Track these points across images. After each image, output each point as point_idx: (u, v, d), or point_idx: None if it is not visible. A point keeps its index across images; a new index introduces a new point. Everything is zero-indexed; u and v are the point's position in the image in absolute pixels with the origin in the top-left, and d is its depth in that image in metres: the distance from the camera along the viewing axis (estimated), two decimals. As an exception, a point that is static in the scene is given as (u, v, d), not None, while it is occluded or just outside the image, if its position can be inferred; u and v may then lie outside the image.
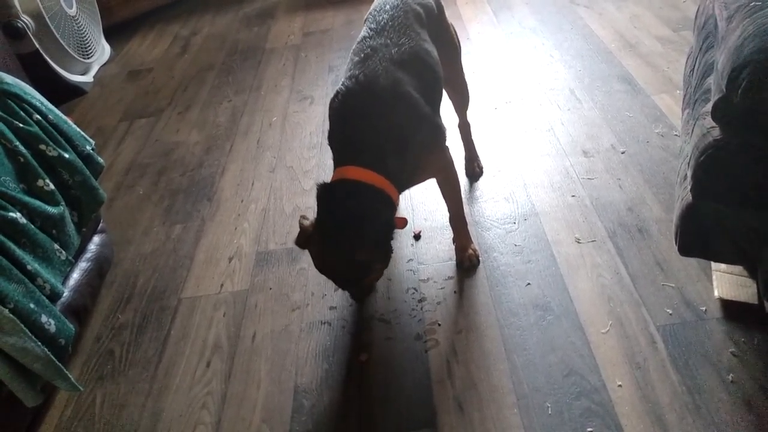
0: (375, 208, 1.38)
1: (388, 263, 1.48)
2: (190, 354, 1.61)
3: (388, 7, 1.59)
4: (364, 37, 1.53)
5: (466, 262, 1.71)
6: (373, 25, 1.55)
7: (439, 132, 1.57)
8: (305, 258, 1.65)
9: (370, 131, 1.41)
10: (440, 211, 1.92)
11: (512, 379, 1.40)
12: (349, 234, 1.36)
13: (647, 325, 1.46)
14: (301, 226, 1.43)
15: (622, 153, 2.04)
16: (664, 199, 1.82)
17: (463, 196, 1.95)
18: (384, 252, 1.44)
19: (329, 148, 1.49)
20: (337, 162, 1.44)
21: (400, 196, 1.97)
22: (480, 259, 1.72)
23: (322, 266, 1.44)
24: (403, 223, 1.50)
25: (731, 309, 1.45)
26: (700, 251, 1.40)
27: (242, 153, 2.43)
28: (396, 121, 1.41)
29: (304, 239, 1.43)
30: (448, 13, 1.82)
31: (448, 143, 1.60)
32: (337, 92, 1.45)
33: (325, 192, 1.41)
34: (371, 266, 1.42)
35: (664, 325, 1.45)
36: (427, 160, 1.52)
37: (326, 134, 1.51)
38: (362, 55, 1.48)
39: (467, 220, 1.75)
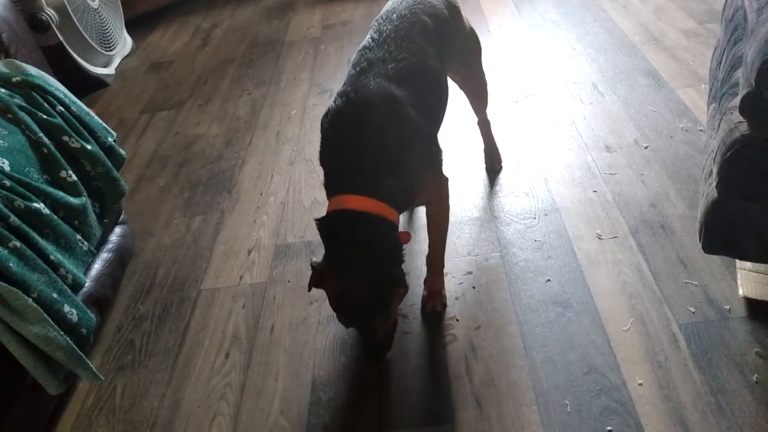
0: (379, 234, 1.33)
1: (407, 288, 1.41)
2: (209, 345, 1.62)
3: (394, 16, 1.52)
4: (365, 47, 1.47)
5: (429, 307, 1.59)
6: (375, 35, 1.49)
7: (435, 153, 1.49)
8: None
9: (362, 154, 1.33)
10: (459, 205, 1.91)
11: (531, 376, 1.39)
12: (362, 258, 1.31)
13: (669, 324, 1.44)
14: (313, 267, 1.40)
15: (646, 148, 2.01)
16: (688, 196, 1.79)
17: (483, 190, 1.93)
18: (398, 271, 1.38)
19: (320, 167, 1.44)
20: (331, 189, 1.38)
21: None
22: (446, 305, 1.60)
23: (339, 301, 1.36)
24: (407, 237, 1.44)
25: (756, 308, 1.42)
26: (724, 249, 1.37)
27: (261, 146, 2.44)
28: (388, 139, 1.34)
29: (318, 277, 1.39)
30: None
31: (447, 174, 1.53)
32: (328, 110, 1.39)
33: (326, 226, 1.36)
34: (392, 289, 1.35)
35: (686, 323, 1.43)
36: (422, 180, 1.44)
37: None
38: (358, 69, 1.41)
39: (486, 216, 1.73)
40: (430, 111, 1.49)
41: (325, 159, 1.42)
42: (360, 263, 1.31)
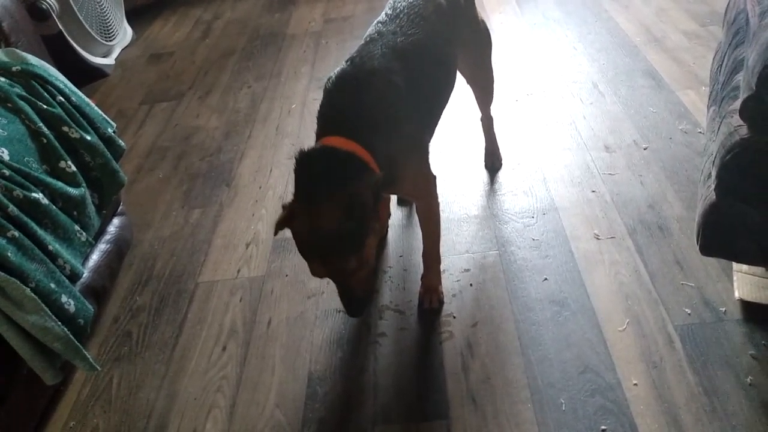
0: (355, 170, 1.26)
1: (382, 231, 1.31)
2: (206, 338, 1.62)
3: None
4: (378, 22, 1.52)
5: (427, 303, 1.59)
6: (389, 11, 1.53)
7: (423, 141, 1.49)
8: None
9: (353, 110, 1.34)
10: (458, 203, 1.91)
11: (527, 374, 1.39)
12: (333, 186, 1.23)
13: (665, 324, 1.45)
14: (283, 207, 1.31)
15: (645, 149, 2.02)
16: (686, 197, 1.79)
17: (482, 188, 1.93)
18: (370, 199, 1.26)
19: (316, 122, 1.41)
20: (320, 133, 1.36)
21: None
22: (443, 302, 1.60)
23: (306, 238, 1.26)
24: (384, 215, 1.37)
25: (752, 311, 1.43)
26: (722, 251, 1.38)
27: (261, 139, 2.43)
28: (382, 106, 1.35)
29: (287, 215, 1.29)
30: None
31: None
32: (334, 73, 1.41)
33: (302, 158, 1.29)
34: (364, 218, 1.24)
35: (682, 324, 1.44)
36: (405, 169, 1.41)
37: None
38: (368, 39, 1.46)
39: (485, 214, 1.73)
40: (430, 88, 1.49)
41: (321, 112, 1.40)
42: (330, 190, 1.23)
